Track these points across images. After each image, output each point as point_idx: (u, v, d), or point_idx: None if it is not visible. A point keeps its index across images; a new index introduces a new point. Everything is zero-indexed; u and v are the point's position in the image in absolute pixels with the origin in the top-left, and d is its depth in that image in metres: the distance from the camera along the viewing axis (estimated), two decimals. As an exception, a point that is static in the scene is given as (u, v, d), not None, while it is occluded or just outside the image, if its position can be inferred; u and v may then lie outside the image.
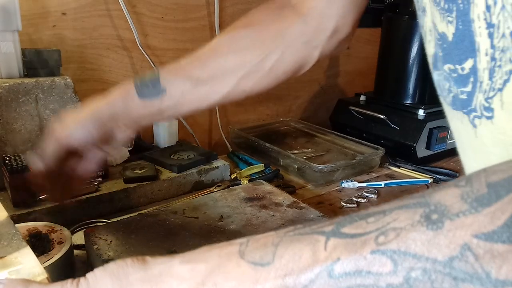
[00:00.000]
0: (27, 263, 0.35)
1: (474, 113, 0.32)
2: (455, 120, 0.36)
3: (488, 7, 0.28)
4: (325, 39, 0.54)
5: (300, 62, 0.56)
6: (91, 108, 0.51)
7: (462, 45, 0.31)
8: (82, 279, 0.31)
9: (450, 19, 0.31)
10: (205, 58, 0.53)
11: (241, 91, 0.54)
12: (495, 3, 0.28)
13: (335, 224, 0.26)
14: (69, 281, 0.31)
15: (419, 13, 0.38)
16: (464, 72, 0.32)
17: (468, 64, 0.31)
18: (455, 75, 0.33)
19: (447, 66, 0.33)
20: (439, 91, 0.38)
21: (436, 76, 0.37)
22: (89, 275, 0.31)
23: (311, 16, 0.53)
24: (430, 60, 0.38)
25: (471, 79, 0.31)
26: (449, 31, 0.32)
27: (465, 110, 0.33)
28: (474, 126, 0.33)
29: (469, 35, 0.30)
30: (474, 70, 0.31)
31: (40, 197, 0.70)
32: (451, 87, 0.34)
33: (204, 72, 0.52)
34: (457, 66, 0.32)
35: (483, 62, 0.30)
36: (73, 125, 0.51)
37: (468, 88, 0.32)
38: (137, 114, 0.52)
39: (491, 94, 0.30)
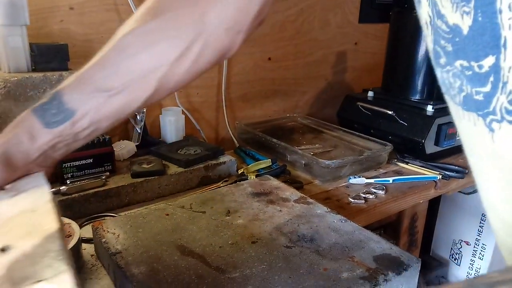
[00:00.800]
0: None
1: (492, 116, 0.29)
2: (465, 121, 0.32)
3: None
4: (248, 22, 0.47)
5: (223, 50, 0.48)
6: None
7: (481, 39, 0.28)
8: None
9: (466, 9, 0.28)
10: (113, 63, 0.45)
11: (165, 91, 0.47)
12: None
13: None
14: None
15: (416, 4, 0.35)
16: (482, 70, 0.29)
17: (488, 61, 0.28)
18: (469, 72, 0.30)
19: (459, 63, 0.30)
20: (444, 89, 0.34)
21: (440, 73, 0.34)
22: None
23: None
24: (431, 55, 0.35)
25: (491, 79, 0.28)
26: (465, 23, 0.28)
27: (480, 112, 0.30)
28: (491, 130, 0.30)
29: (492, 28, 0.27)
30: (495, 68, 0.27)
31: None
32: (463, 85, 0.31)
33: (117, 80, 0.44)
34: (473, 63, 0.29)
35: (509, 60, 0.26)
36: None
37: (487, 88, 0.29)
38: (47, 147, 0.44)
39: None
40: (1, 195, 0.41)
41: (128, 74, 0.45)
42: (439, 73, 0.34)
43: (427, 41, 0.34)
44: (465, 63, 0.30)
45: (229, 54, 0.49)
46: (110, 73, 0.45)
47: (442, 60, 0.33)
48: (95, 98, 0.44)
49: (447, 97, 0.35)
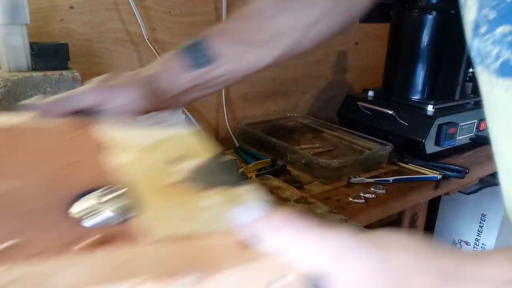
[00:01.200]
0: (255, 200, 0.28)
1: None
2: (497, 89, 0.34)
3: None
4: (365, 4, 0.53)
5: (341, 27, 0.53)
6: (138, 77, 0.45)
7: None
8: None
9: None
10: (255, 20, 0.49)
11: (290, 54, 0.51)
12: None
13: None
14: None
15: None
16: None
17: None
18: (509, 38, 0.31)
19: (500, 29, 0.32)
20: (478, 60, 0.36)
21: (478, 43, 0.35)
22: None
23: None
24: (469, 26, 0.36)
25: None
26: None
27: None
28: None
29: None
30: None
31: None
32: (501, 52, 0.32)
33: (258, 35, 0.49)
34: None
35: None
36: (118, 86, 0.43)
37: None
38: (183, 88, 0.47)
39: None
40: (145, 121, 0.42)
41: (268, 31, 0.49)
42: (476, 44, 0.36)
43: (466, 14, 0.36)
44: (507, 29, 0.31)
45: (341, 32, 0.53)
46: (253, 28, 0.49)
47: (483, 29, 0.34)
48: (236, 48, 0.48)
49: (480, 68, 0.36)
